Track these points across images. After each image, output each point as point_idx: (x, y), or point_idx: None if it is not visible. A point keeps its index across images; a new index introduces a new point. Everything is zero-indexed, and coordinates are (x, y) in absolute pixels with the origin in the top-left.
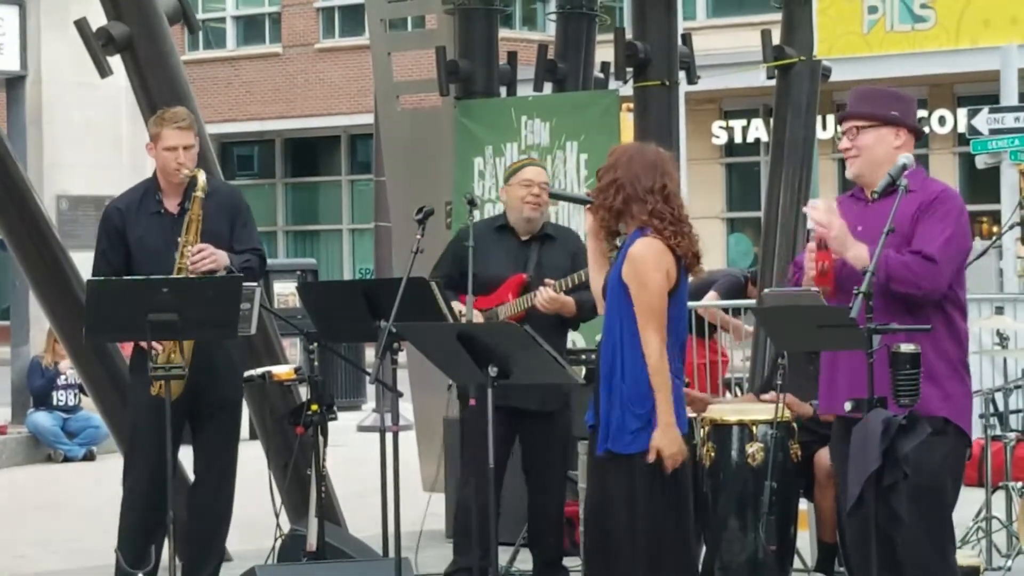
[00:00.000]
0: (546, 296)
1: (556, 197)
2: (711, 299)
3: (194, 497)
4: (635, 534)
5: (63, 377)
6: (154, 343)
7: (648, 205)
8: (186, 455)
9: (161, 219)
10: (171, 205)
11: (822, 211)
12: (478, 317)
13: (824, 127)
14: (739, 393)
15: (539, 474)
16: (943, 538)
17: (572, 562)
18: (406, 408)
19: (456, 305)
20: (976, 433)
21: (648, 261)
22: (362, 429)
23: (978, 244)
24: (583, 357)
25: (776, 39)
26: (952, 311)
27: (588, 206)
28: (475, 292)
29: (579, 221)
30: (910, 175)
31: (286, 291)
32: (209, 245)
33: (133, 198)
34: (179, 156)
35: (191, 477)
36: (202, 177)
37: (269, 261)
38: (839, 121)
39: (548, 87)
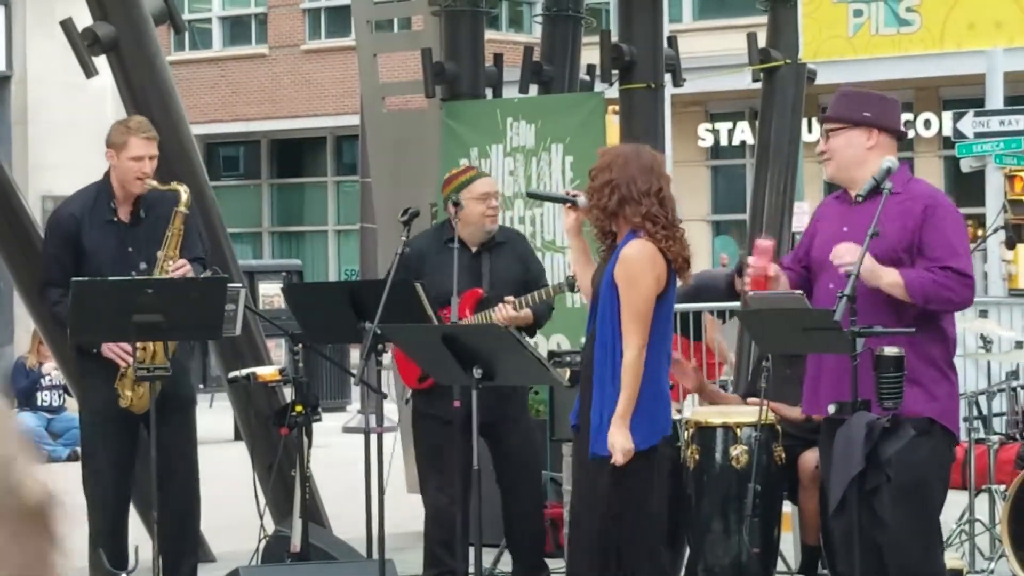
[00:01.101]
0: (505, 314)
1: (537, 197)
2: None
3: (161, 496)
4: (638, 533)
5: (47, 378)
6: (128, 349)
7: (642, 207)
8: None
9: (116, 227)
10: (124, 214)
11: (846, 250)
12: None
13: (810, 130)
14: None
15: (510, 480)
16: (929, 537)
17: (557, 564)
18: (391, 409)
19: None
20: (960, 436)
21: (641, 263)
22: (347, 430)
23: None
24: (567, 359)
25: (762, 42)
26: (940, 314)
27: (568, 204)
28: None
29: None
30: (893, 176)
31: (271, 292)
32: (187, 261)
33: (86, 204)
34: (144, 166)
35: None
36: (184, 193)
37: (254, 262)
38: (820, 123)
39: (534, 89)
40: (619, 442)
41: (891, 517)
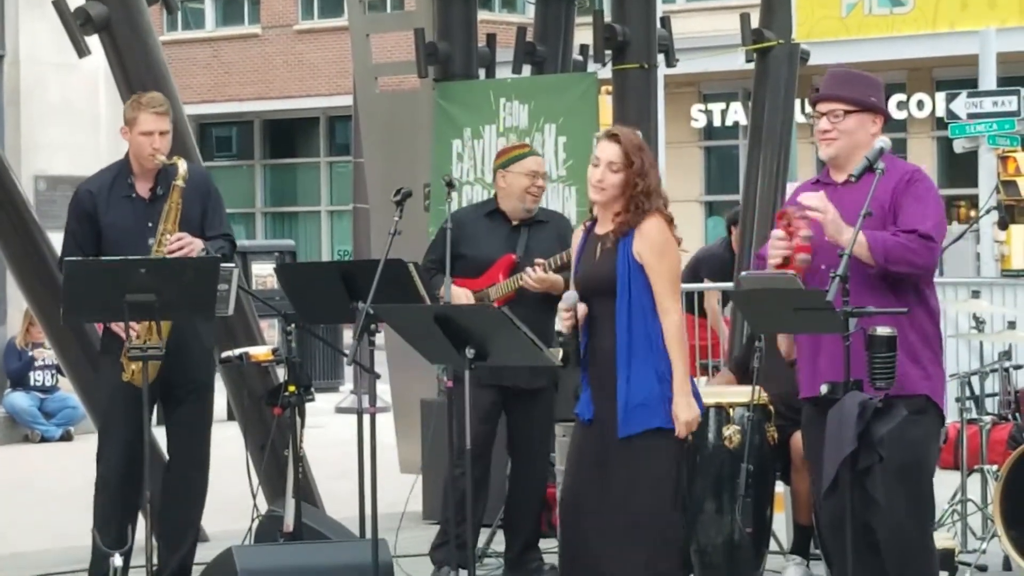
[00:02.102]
0: (535, 276)
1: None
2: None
3: (169, 478)
4: (669, 512)
5: (40, 359)
6: (132, 324)
7: (661, 199)
8: (159, 437)
9: (133, 203)
10: (143, 190)
11: (815, 198)
12: (471, 298)
13: (803, 111)
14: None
15: (524, 454)
16: (924, 516)
17: (547, 544)
18: (384, 390)
19: (456, 290)
20: (952, 416)
21: (664, 234)
22: (340, 410)
23: (955, 228)
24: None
25: (755, 22)
26: (926, 290)
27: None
28: (467, 275)
29: (557, 204)
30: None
31: (264, 272)
32: (187, 234)
33: (104, 181)
34: (155, 141)
35: (166, 457)
36: (183, 166)
37: (247, 243)
38: (815, 103)
39: (527, 69)
40: (684, 412)
41: (887, 497)
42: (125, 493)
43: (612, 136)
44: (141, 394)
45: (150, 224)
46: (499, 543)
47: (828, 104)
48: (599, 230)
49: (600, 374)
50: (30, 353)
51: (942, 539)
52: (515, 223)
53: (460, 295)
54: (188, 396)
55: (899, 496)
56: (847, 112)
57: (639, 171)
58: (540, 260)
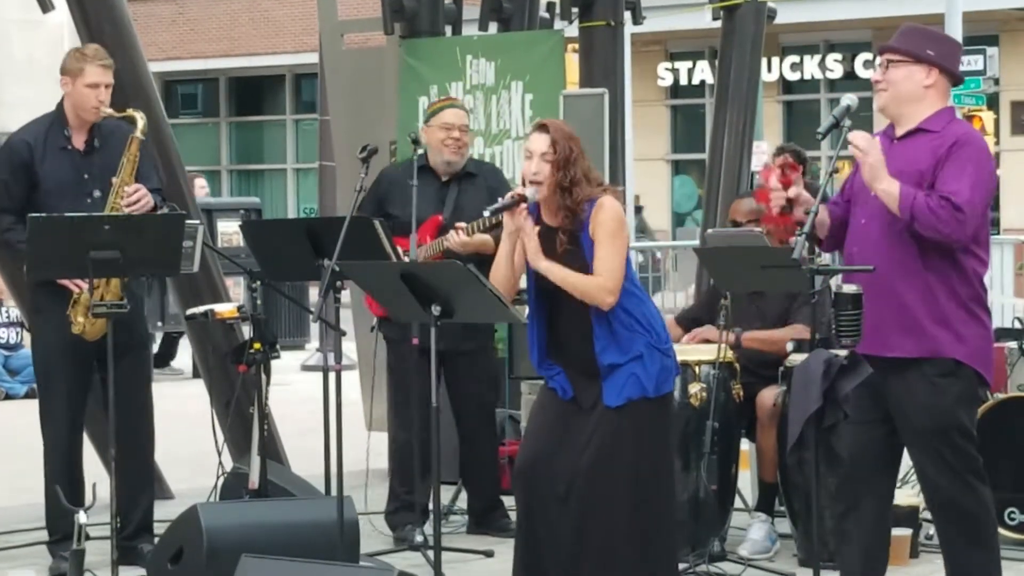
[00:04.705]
0: (458, 240)
1: (496, 211)
2: None
3: (116, 435)
4: (663, 475)
5: (3, 314)
6: (79, 282)
7: (592, 174)
8: None
9: (70, 155)
10: (78, 142)
11: (863, 137)
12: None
13: (770, 69)
14: None
15: (469, 415)
16: (958, 477)
17: (510, 500)
18: (349, 347)
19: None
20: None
21: (620, 215)
22: (305, 368)
23: None
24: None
25: None
26: (960, 253)
27: (517, 203)
28: (395, 234)
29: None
30: (934, 117)
31: (229, 230)
32: (142, 186)
33: (39, 131)
34: (100, 94)
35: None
36: (142, 120)
37: (213, 200)
38: (879, 53)
39: (493, 27)
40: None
41: (917, 461)
42: (74, 451)
43: (541, 127)
44: (82, 351)
45: (86, 176)
46: (463, 500)
47: (883, 55)
48: (549, 220)
49: (573, 360)
50: None
51: (906, 496)
52: (444, 179)
53: None
54: (129, 352)
55: (927, 459)
56: (895, 62)
57: (564, 159)
58: (461, 224)
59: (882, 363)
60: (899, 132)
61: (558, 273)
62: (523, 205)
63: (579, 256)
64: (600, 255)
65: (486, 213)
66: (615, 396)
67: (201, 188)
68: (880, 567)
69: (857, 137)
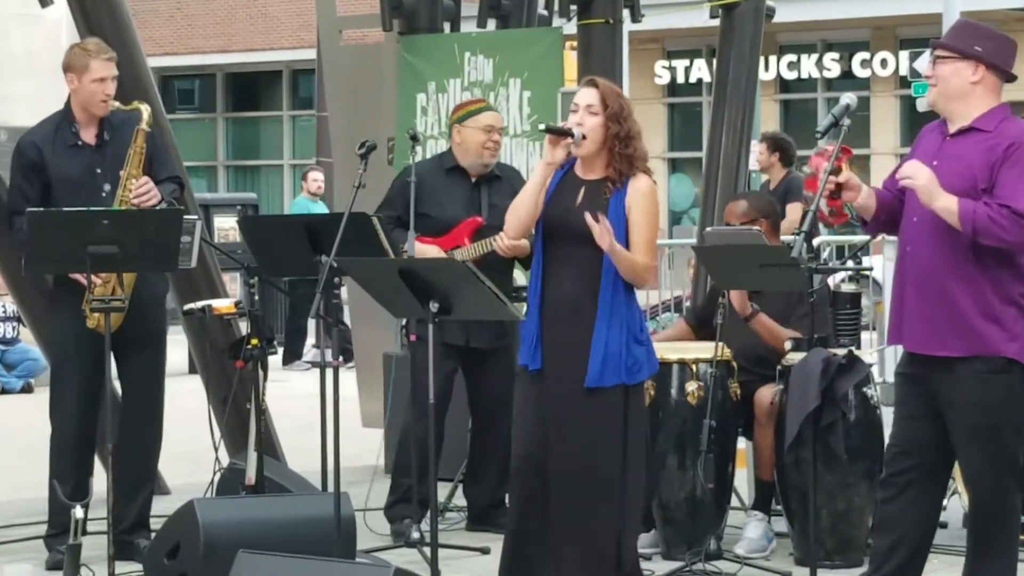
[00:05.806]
0: (507, 244)
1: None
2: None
3: (124, 428)
4: (640, 463)
5: (1, 310)
6: (93, 276)
7: (643, 149)
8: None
9: (80, 151)
10: (88, 136)
11: (908, 167)
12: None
13: (767, 68)
14: None
15: (488, 412)
16: (1002, 476)
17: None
18: None
19: (425, 247)
20: None
21: (656, 198)
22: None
23: None
24: (524, 295)
25: None
26: (1015, 251)
27: (567, 137)
28: (428, 233)
29: (520, 160)
30: (985, 116)
31: (227, 225)
32: (149, 179)
33: (47, 131)
34: (107, 88)
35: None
36: (147, 111)
37: (209, 195)
38: (931, 49)
39: (492, 24)
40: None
41: (963, 457)
42: (82, 445)
43: (590, 82)
44: (96, 345)
45: (98, 171)
46: (460, 498)
47: (933, 51)
48: (582, 174)
49: (557, 320)
50: None
51: None
52: (474, 180)
53: (430, 252)
54: (143, 346)
55: (973, 457)
56: (943, 58)
57: (615, 114)
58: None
59: (933, 362)
60: (951, 129)
61: (621, 252)
62: (568, 140)
63: (600, 208)
64: (642, 235)
65: (541, 127)
66: (595, 379)
67: (315, 182)
68: (919, 563)
69: (905, 170)
